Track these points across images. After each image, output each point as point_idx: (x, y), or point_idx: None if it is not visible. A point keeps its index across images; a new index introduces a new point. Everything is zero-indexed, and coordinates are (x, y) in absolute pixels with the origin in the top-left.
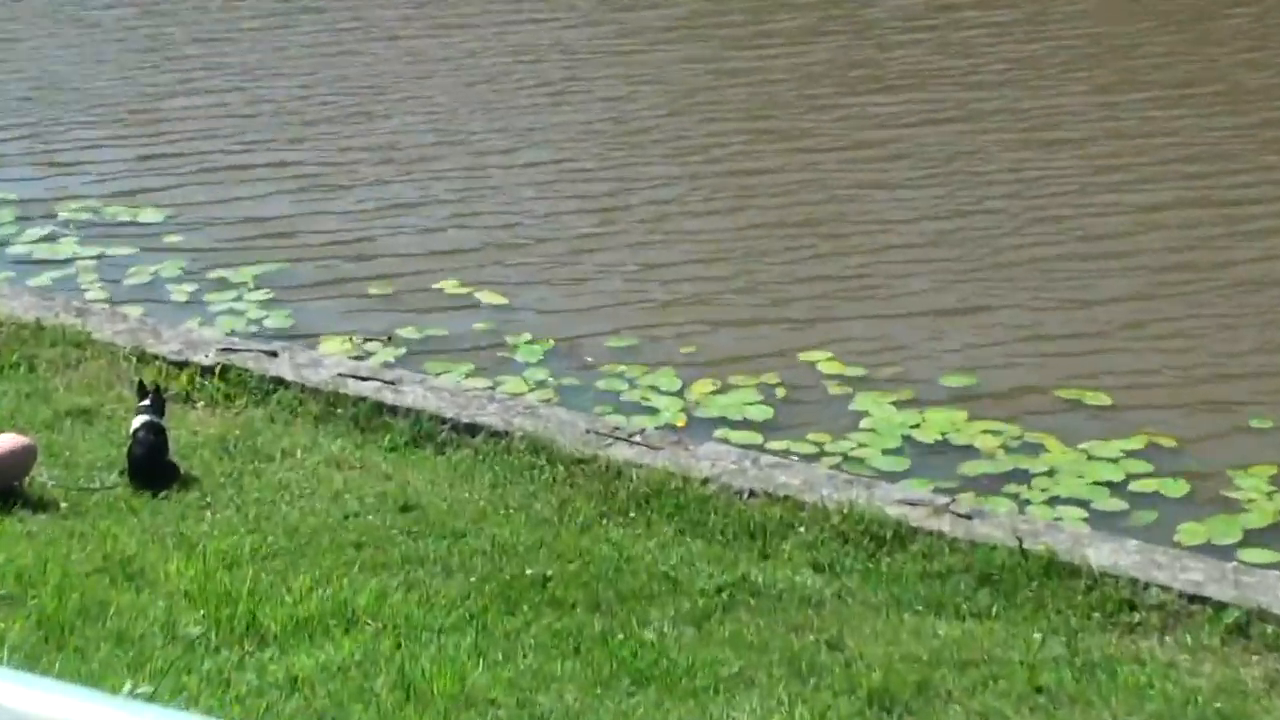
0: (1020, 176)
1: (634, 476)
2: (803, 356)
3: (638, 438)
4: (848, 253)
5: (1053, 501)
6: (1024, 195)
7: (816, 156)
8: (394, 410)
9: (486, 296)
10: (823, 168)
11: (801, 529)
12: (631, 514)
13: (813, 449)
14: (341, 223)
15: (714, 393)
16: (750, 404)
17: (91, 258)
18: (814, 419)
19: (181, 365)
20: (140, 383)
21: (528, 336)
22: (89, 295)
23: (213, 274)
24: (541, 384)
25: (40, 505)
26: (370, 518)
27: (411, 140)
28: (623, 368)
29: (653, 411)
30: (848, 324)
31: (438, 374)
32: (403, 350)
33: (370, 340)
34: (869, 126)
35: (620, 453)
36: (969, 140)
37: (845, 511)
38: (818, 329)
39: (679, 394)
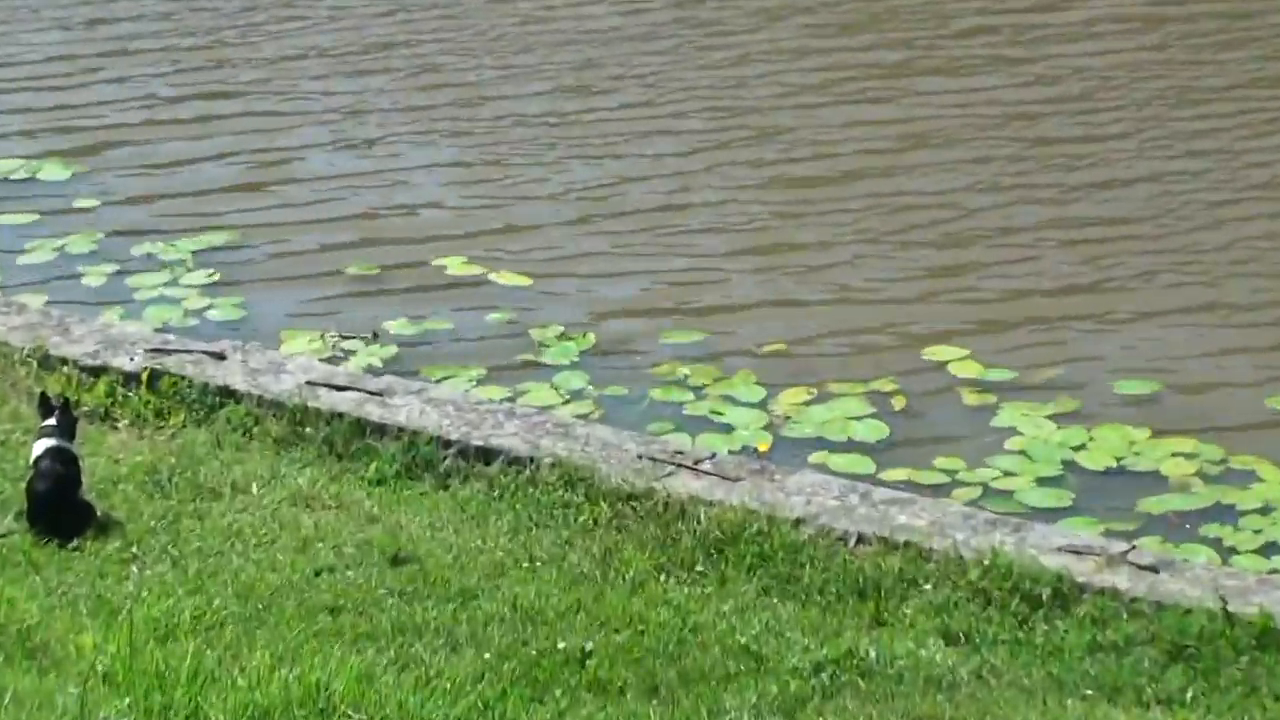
0: (1239, 123)
1: (702, 517)
2: (928, 354)
3: (707, 465)
4: (995, 226)
5: (1268, 549)
6: (1240, 150)
7: (954, 98)
8: (381, 430)
9: (504, 278)
10: (965, 111)
11: (928, 586)
12: (699, 567)
13: (942, 479)
14: (310, 185)
15: (808, 404)
16: (857, 419)
17: None
18: (944, 439)
19: (98, 372)
20: (43, 395)
21: (559, 330)
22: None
23: (138, 249)
24: (578, 394)
25: None
26: (350, 573)
27: (405, 75)
28: (685, 370)
29: (726, 430)
30: (990, 314)
31: (439, 381)
32: (392, 350)
33: (349, 338)
34: (1029, 56)
35: (684, 485)
36: (1170, 73)
37: (987, 563)
38: (949, 319)
39: (762, 406)
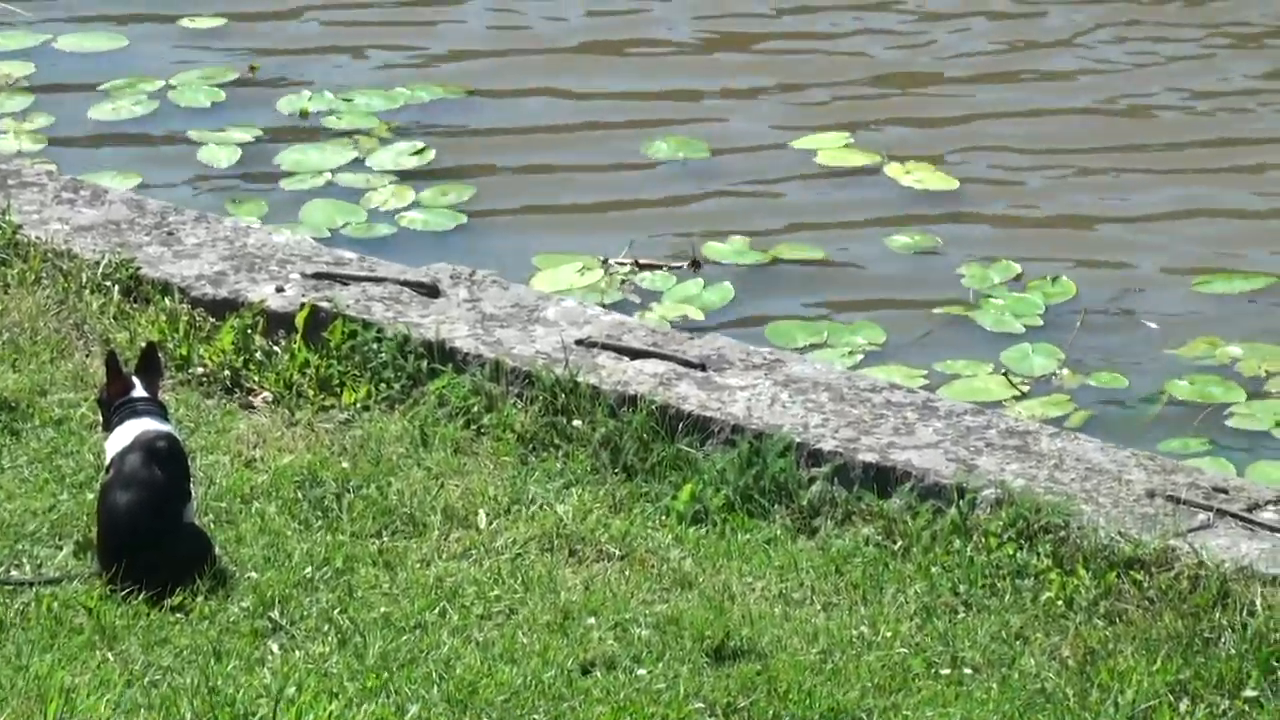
0: None
1: (1258, 604)
2: None
3: (1269, 513)
4: None
5: None
6: None
7: None
8: (703, 428)
9: (914, 175)
10: None
11: None
12: (1248, 691)
13: None
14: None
15: None
16: None
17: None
18: None
19: (222, 308)
20: (110, 354)
21: (1012, 269)
22: (6, 142)
23: (290, 104)
24: (1042, 384)
25: None
26: (643, 673)
27: None
28: (1235, 350)
29: None
30: None
31: (802, 349)
32: (724, 293)
33: (649, 267)
34: None
35: (1227, 547)
36: None
37: None
38: None
39: None
